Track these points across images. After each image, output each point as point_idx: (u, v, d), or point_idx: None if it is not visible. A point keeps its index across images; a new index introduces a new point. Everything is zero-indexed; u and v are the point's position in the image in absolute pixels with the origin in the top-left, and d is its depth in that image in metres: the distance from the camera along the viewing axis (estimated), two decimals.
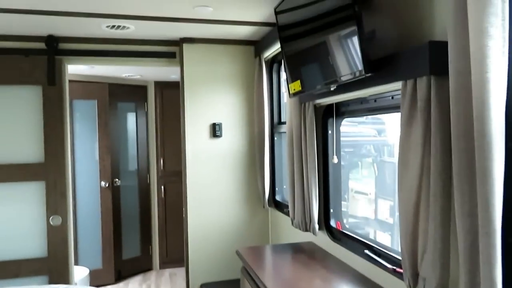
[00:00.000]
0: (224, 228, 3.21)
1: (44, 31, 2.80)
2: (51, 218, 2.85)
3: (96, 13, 2.49)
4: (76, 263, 4.25)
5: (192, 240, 3.12)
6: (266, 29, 2.93)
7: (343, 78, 1.61)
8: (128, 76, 4.62)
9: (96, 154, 4.56)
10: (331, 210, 2.28)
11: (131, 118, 4.98)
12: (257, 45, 3.24)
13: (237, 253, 2.26)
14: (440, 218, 1.25)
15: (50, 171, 2.85)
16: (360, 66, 1.47)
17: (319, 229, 2.28)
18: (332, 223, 2.29)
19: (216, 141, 3.19)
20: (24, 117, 2.85)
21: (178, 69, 3.48)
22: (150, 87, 5.00)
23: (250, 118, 3.28)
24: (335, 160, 2.17)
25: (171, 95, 5.02)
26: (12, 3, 2.25)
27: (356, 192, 3.36)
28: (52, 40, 2.87)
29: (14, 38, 2.84)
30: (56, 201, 2.86)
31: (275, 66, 3.25)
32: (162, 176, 5.05)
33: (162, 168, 5.04)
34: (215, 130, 3.17)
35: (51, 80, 2.86)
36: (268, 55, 3.06)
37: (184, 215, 3.17)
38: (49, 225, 2.85)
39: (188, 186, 3.14)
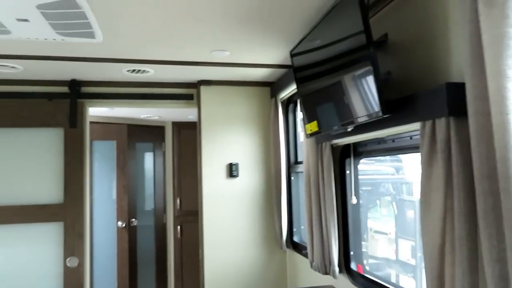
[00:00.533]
0: (241, 270, 3.14)
1: (67, 76, 2.91)
2: (68, 259, 2.84)
3: (117, 59, 2.59)
4: None
5: (209, 282, 3.06)
6: (281, 70, 3.00)
7: (360, 120, 1.61)
8: (147, 117, 4.72)
9: (114, 193, 4.59)
10: (351, 253, 2.22)
11: (148, 158, 5.05)
12: (273, 86, 3.30)
13: None
14: (467, 264, 1.20)
15: (68, 212, 2.87)
16: (376, 107, 1.47)
17: (340, 272, 2.21)
18: (353, 266, 2.22)
19: (233, 181, 3.19)
20: (45, 159, 2.91)
21: (195, 109, 3.55)
22: (167, 127, 5.09)
23: (266, 158, 3.29)
24: (354, 201, 2.13)
25: (188, 135, 5.11)
26: (39, 50, 2.36)
27: (375, 231, 3.28)
28: (74, 84, 2.97)
29: (39, 82, 2.96)
30: (73, 242, 2.86)
31: (291, 106, 3.29)
32: (179, 215, 5.03)
33: (178, 207, 5.03)
34: (231, 170, 3.17)
35: (73, 123, 2.94)
36: (284, 96, 3.11)
37: (200, 256, 3.13)
38: (65, 267, 2.83)
39: (204, 227, 3.11)
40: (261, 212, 3.24)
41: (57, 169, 2.90)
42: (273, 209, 3.21)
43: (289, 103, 3.27)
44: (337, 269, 2.16)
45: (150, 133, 5.02)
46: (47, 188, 2.88)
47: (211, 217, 3.13)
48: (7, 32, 1.99)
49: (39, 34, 2.02)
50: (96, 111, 3.78)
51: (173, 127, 5.12)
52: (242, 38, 2.30)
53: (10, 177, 2.87)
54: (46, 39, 2.11)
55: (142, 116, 4.67)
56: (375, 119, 1.53)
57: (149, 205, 4.97)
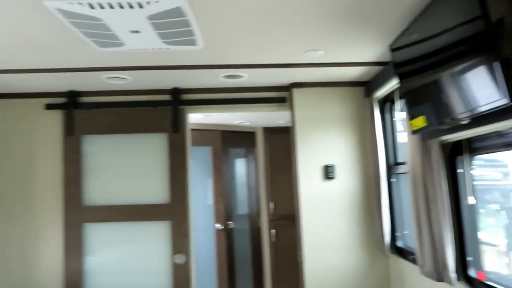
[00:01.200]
0: (342, 274, 3.05)
1: (169, 84, 3.10)
2: (175, 256, 3.01)
3: (215, 65, 2.70)
4: None
5: (310, 286, 3.01)
6: (377, 68, 2.87)
7: (481, 109, 1.46)
8: (239, 123, 4.86)
9: (210, 197, 4.79)
10: (470, 258, 2.02)
11: (241, 163, 5.19)
12: (367, 86, 3.18)
13: None
14: None
15: (174, 212, 3.04)
16: (503, 93, 1.32)
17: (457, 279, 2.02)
18: (472, 272, 2.02)
19: (329, 183, 3.12)
20: (153, 162, 3.14)
21: (286, 114, 3.55)
22: (258, 133, 5.18)
23: (363, 159, 3.17)
24: (472, 201, 1.94)
25: (278, 140, 5.16)
26: (145, 60, 2.55)
27: (482, 242, 2.96)
28: (176, 92, 3.16)
29: (145, 92, 3.20)
30: (180, 240, 3.03)
31: (387, 105, 3.13)
32: (273, 219, 5.07)
33: (272, 211, 5.07)
34: (327, 172, 3.11)
35: (175, 128, 3.12)
36: (380, 95, 2.97)
37: (299, 259, 3.10)
38: (173, 263, 3.00)
39: (302, 229, 3.08)
40: (360, 215, 3.12)
41: (163, 172, 3.10)
42: (373, 213, 3.07)
43: (385, 102, 3.12)
44: (454, 275, 1.98)
45: (242, 139, 5.15)
46: (155, 189, 3.09)
47: (309, 220, 3.09)
48: (121, 44, 2.17)
49: (148, 44, 2.18)
50: (192, 118, 3.99)
51: (264, 132, 5.20)
52: (337, 36, 2.24)
53: (123, 179, 3.13)
54: (153, 49, 2.27)
55: (234, 122, 4.82)
56: (500, 107, 1.37)
57: (243, 209, 5.09)
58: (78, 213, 3.03)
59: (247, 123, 4.92)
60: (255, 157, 5.19)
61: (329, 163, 3.13)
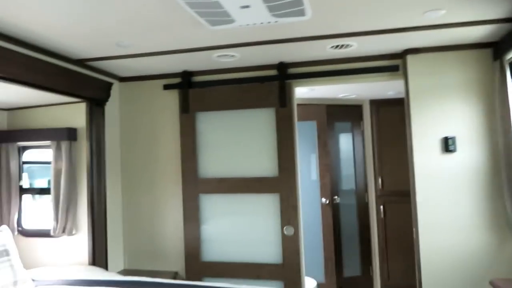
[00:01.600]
0: (464, 257, 2.81)
1: (275, 59, 3.11)
2: (284, 228, 3.08)
3: (322, 35, 2.62)
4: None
5: (426, 267, 2.85)
6: (508, 26, 2.51)
7: None
8: (344, 96, 4.71)
9: (315, 172, 4.77)
10: None
11: (347, 138, 5.05)
12: (496, 47, 2.81)
13: (492, 284, 1.91)
14: None
15: (283, 185, 3.10)
16: None
17: None
18: None
19: (449, 156, 2.87)
20: (261, 136, 3.21)
21: (396, 84, 3.33)
22: (365, 105, 4.98)
23: (490, 129, 2.84)
24: None
25: (387, 113, 4.90)
26: (252, 36, 2.58)
27: None
28: (282, 67, 3.16)
29: (252, 68, 3.26)
30: (288, 213, 3.08)
31: None
32: (381, 195, 4.88)
33: (380, 187, 4.88)
34: (447, 145, 2.85)
35: (283, 102, 3.14)
36: None
37: (414, 238, 2.94)
38: (283, 235, 3.08)
39: (418, 206, 2.90)
40: (487, 193, 2.82)
41: (272, 146, 3.16)
42: (503, 190, 2.75)
43: None
44: None
45: (348, 113, 5.00)
46: (264, 163, 3.18)
47: (425, 196, 2.89)
48: (232, 21, 2.22)
49: (257, 18, 2.20)
50: (297, 93, 3.97)
51: (371, 105, 4.98)
52: None
53: (234, 153, 3.27)
54: (262, 23, 2.28)
55: (340, 96, 4.68)
56: None
57: (349, 184, 4.98)
58: (194, 185, 3.26)
59: (353, 96, 4.74)
60: (361, 131, 5.01)
61: (449, 134, 2.87)
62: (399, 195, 4.80)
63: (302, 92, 4.13)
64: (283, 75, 3.17)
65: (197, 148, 3.30)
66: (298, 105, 4.75)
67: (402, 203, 4.81)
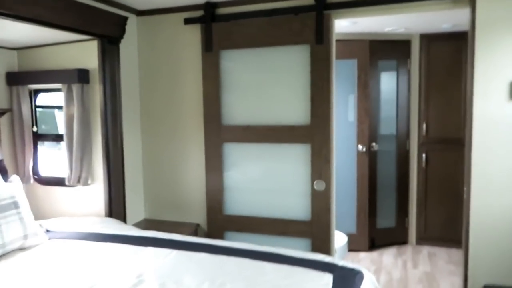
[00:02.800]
0: None
1: None
2: (315, 182, 2.78)
3: None
4: None
5: (476, 228, 2.50)
6: None
7: None
8: (391, 30, 4.13)
9: (352, 116, 4.36)
10: None
11: (391, 78, 4.55)
12: None
13: None
14: None
15: (315, 134, 2.75)
16: None
17: None
18: None
19: None
20: (293, 79, 2.81)
21: (452, 16, 2.76)
22: (414, 41, 4.40)
23: None
24: None
25: (439, 50, 4.34)
26: None
27: None
28: None
29: None
30: (320, 166, 2.76)
31: None
32: (424, 143, 4.47)
33: (424, 134, 4.45)
34: None
35: (319, 38, 2.69)
36: None
37: (465, 195, 2.56)
38: (313, 189, 2.79)
39: (473, 159, 2.49)
40: None
41: (304, 90, 2.77)
42: None
43: None
44: None
45: (393, 49, 4.46)
46: (294, 109, 2.81)
47: (482, 149, 2.46)
48: None
49: None
50: (337, 27, 3.46)
51: (421, 41, 4.41)
52: None
53: (261, 97, 2.91)
54: None
55: (386, 30, 4.12)
56: None
57: (390, 129, 4.56)
58: (217, 132, 2.96)
59: (401, 30, 4.16)
60: (407, 70, 4.48)
61: None
62: (445, 143, 4.39)
63: (342, 26, 3.61)
64: (321, 5, 2.68)
65: (221, 92, 2.96)
66: (337, 41, 4.20)
67: (448, 152, 4.42)
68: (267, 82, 2.89)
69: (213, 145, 3.00)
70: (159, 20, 3.13)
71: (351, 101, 4.36)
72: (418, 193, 4.55)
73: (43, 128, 3.09)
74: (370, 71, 4.31)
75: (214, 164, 3.01)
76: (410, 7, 2.58)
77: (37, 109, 3.03)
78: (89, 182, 2.86)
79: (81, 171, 2.79)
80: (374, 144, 4.43)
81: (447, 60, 4.33)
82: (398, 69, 4.51)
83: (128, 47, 3.08)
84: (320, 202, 2.79)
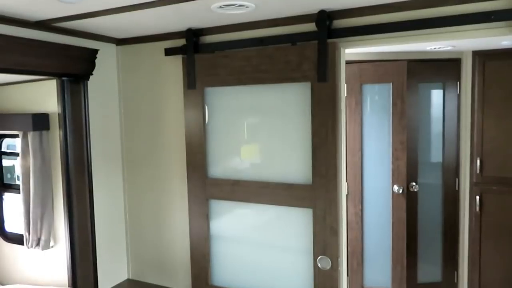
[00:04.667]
0: None
1: (313, 6, 1.99)
2: (318, 259, 2.15)
3: None
4: (361, 277, 3.61)
5: None
6: None
7: None
8: (434, 48, 3.38)
9: (389, 151, 3.64)
10: None
11: (435, 104, 3.81)
12: None
13: None
14: None
15: (318, 198, 2.12)
16: None
17: None
18: None
19: None
20: (290, 125, 2.22)
21: None
22: (465, 60, 3.62)
23: None
24: None
25: (498, 70, 3.57)
26: None
27: None
28: (324, 17, 2.04)
29: (279, 22, 2.18)
30: (325, 238, 2.13)
31: None
32: (478, 183, 3.67)
33: (478, 172, 3.64)
34: None
35: (322, 75, 2.06)
36: None
37: None
38: (316, 267, 2.16)
39: None
40: None
41: (304, 140, 2.15)
42: None
43: None
44: None
45: (438, 70, 3.72)
46: (293, 163, 2.21)
47: None
48: None
49: None
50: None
51: (474, 60, 3.60)
52: None
53: (254, 146, 2.34)
54: None
55: (428, 48, 3.38)
56: None
57: (433, 166, 3.84)
58: (202, 186, 2.43)
59: (447, 48, 3.40)
60: (457, 95, 3.70)
61: None
62: (504, 184, 3.62)
63: None
64: (324, 31, 2.05)
65: (206, 137, 2.42)
66: (366, 62, 3.57)
67: (508, 194, 3.59)
68: (260, 128, 2.32)
69: (197, 202, 2.46)
70: (140, 49, 2.66)
71: (384, 132, 3.65)
72: (471, 243, 3.75)
73: (8, 178, 2.73)
74: (408, 96, 3.60)
75: (198, 224, 2.47)
76: (450, 33, 1.88)
77: (2, 156, 2.67)
78: (51, 244, 2.44)
79: (40, 232, 2.38)
80: (413, 184, 3.70)
81: (508, 83, 3.49)
82: (445, 93, 3.75)
83: (105, 82, 2.64)
84: (325, 283, 2.16)
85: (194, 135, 2.42)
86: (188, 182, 2.47)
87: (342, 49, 2.09)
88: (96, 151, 2.53)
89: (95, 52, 2.44)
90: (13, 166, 2.88)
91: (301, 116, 2.15)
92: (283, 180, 2.22)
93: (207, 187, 2.42)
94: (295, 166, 2.20)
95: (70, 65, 2.29)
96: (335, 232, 2.12)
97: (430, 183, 3.82)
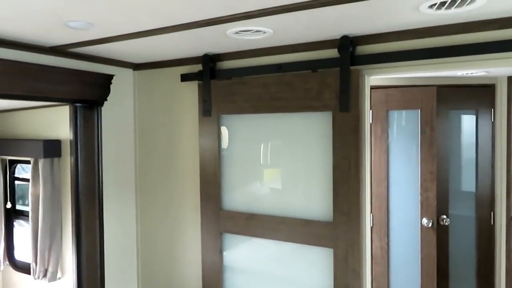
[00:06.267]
0: None
1: (335, 32, 1.87)
2: None
3: None
4: None
5: None
6: None
7: None
8: (467, 74, 3.19)
9: (417, 181, 3.42)
10: None
11: (467, 132, 3.56)
12: None
13: None
14: None
15: (340, 237, 1.95)
16: None
17: None
18: None
19: None
20: (309, 157, 2.07)
21: None
22: (500, 85, 3.40)
23: None
24: None
25: None
26: None
27: None
28: (346, 43, 1.91)
29: (296, 48, 2.07)
30: (346, 282, 1.95)
31: None
32: None
33: None
34: None
35: (344, 104, 1.92)
36: None
37: None
38: None
39: None
40: None
41: (325, 172, 2.00)
42: None
43: None
44: None
45: (470, 96, 3.50)
46: (312, 198, 2.05)
47: None
48: None
49: None
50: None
51: (510, 86, 3.36)
52: None
53: (271, 178, 2.20)
54: None
55: (459, 74, 3.19)
56: None
57: (466, 198, 3.56)
58: (216, 219, 2.30)
59: (480, 74, 3.20)
60: (491, 123, 3.46)
61: None
62: None
63: None
64: (347, 58, 1.92)
65: (221, 167, 2.30)
66: (393, 87, 3.40)
67: None
68: (277, 158, 2.18)
69: (210, 235, 2.33)
70: (156, 74, 2.60)
71: (412, 161, 3.43)
72: (508, 284, 3.44)
73: (21, 204, 2.68)
74: (438, 124, 3.38)
75: (211, 259, 2.33)
76: (484, 60, 1.72)
77: (15, 182, 2.63)
78: (58, 276, 2.34)
79: (48, 263, 2.29)
80: (444, 217, 3.45)
81: None
82: (477, 120, 3.51)
83: (121, 107, 2.58)
84: None
85: (209, 164, 2.31)
86: (201, 213, 2.35)
87: (366, 77, 1.95)
88: (109, 179, 2.45)
89: (110, 77, 2.39)
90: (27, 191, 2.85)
91: (321, 148, 2.00)
92: (301, 215, 2.06)
93: (221, 220, 2.28)
94: (314, 201, 2.04)
95: (84, 91, 2.24)
96: (358, 275, 1.93)
97: (462, 217, 3.55)
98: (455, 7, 1.49)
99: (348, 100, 1.91)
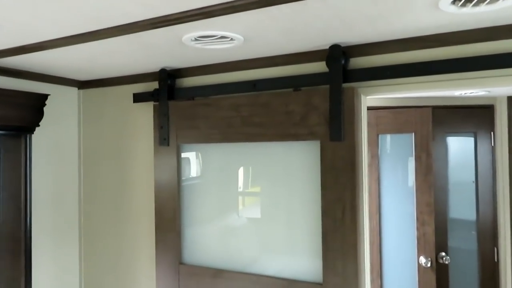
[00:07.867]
0: None
1: (322, 41, 1.46)
2: None
3: None
4: None
5: None
6: None
7: None
8: (465, 94, 2.85)
9: (412, 214, 3.02)
10: None
11: (466, 158, 3.21)
12: None
13: None
14: None
15: None
16: None
17: None
18: None
19: None
20: (292, 199, 1.62)
21: None
22: (499, 107, 3.09)
23: None
24: None
25: None
26: None
27: None
28: (337, 54, 1.50)
29: (278, 60, 1.65)
30: None
31: None
32: None
33: None
34: None
35: (336, 131, 1.50)
36: None
37: None
38: None
39: None
40: None
41: (311, 219, 1.56)
42: None
43: None
44: None
45: (468, 118, 3.18)
46: (294, 252, 1.60)
47: None
48: None
49: None
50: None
51: (510, 106, 3.03)
52: None
53: (243, 225, 1.74)
54: None
55: (457, 94, 2.85)
56: None
57: (466, 234, 3.19)
58: (173, 275, 1.81)
59: (479, 93, 2.86)
60: (491, 147, 3.12)
61: None
62: None
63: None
64: (338, 73, 1.51)
65: (181, 209, 1.83)
66: (384, 108, 3.04)
67: None
68: (251, 199, 1.73)
69: None
70: (106, 94, 2.14)
71: (407, 191, 3.04)
72: None
73: None
74: (434, 149, 3.03)
75: None
76: (502, 77, 1.33)
77: None
78: None
79: None
80: (443, 254, 3.05)
81: None
82: (476, 145, 3.18)
83: (62, 133, 2.10)
84: None
85: (166, 206, 1.84)
86: (156, 267, 1.86)
87: (362, 96, 1.54)
88: (42, 225, 1.95)
89: (43, 97, 1.91)
90: None
91: (307, 188, 1.57)
92: (282, 274, 1.60)
93: (181, 277, 1.80)
94: (298, 256, 1.59)
95: (6, 115, 1.75)
96: None
97: (463, 251, 3.18)
98: (487, 3, 1.10)
99: (341, 126, 1.49)
